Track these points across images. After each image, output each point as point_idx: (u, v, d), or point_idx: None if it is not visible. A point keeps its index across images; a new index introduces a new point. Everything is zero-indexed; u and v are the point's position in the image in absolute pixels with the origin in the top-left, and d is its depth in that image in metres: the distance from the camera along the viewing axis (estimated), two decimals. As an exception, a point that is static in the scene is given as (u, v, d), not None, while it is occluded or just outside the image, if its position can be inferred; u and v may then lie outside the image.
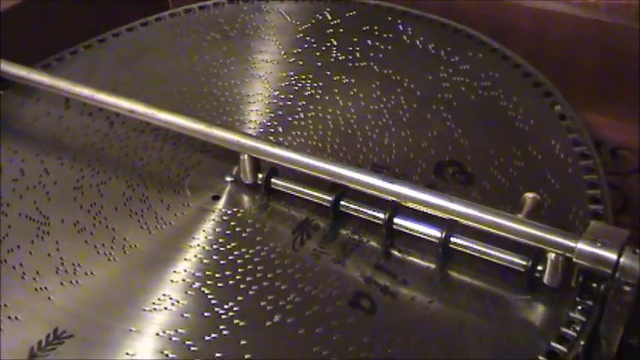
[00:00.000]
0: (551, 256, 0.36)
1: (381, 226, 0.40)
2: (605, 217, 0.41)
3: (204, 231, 0.41)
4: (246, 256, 0.39)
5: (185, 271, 0.38)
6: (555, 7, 0.57)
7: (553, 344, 0.34)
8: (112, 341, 0.35)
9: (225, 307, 0.36)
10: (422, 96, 0.49)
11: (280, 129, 0.48)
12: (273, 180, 0.43)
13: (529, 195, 0.40)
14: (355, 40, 0.54)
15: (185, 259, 0.39)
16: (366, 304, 0.37)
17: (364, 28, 0.55)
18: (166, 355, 0.34)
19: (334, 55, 0.54)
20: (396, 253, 0.39)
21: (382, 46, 0.54)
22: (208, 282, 0.38)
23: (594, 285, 0.36)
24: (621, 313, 0.34)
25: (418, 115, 0.48)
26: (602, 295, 0.35)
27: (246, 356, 0.34)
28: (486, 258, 0.38)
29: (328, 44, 0.55)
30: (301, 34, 0.56)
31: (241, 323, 0.35)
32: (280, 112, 0.49)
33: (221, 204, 0.43)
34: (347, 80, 0.51)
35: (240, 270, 0.38)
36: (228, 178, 0.44)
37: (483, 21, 0.58)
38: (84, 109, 0.50)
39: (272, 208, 0.43)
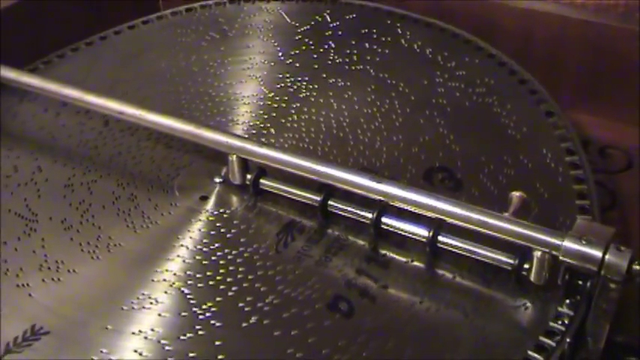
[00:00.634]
0: (538, 254, 0.37)
1: (368, 227, 0.41)
2: (592, 214, 0.42)
3: (189, 231, 0.42)
4: (229, 257, 0.40)
5: (167, 270, 0.39)
6: (542, 7, 0.57)
7: (541, 338, 0.35)
8: (88, 339, 0.36)
9: (203, 307, 0.37)
10: (416, 101, 0.50)
11: (273, 130, 0.49)
12: (261, 180, 0.44)
13: (515, 194, 0.41)
14: (353, 42, 0.55)
15: (168, 259, 0.40)
16: (344, 307, 0.37)
17: (363, 31, 0.56)
18: (140, 354, 0.35)
19: (331, 57, 0.54)
20: (379, 256, 0.40)
21: (379, 50, 0.54)
22: (189, 282, 0.39)
23: (580, 282, 0.37)
24: (607, 310, 0.35)
25: (411, 119, 0.49)
26: (588, 292, 0.36)
27: (220, 357, 0.35)
28: (473, 257, 0.39)
29: (326, 46, 0.55)
30: (300, 36, 0.57)
31: (218, 324, 0.36)
32: (274, 114, 0.50)
33: (208, 204, 0.44)
34: (342, 83, 0.52)
35: (221, 271, 0.39)
36: (217, 179, 0.45)
37: (470, 21, 0.59)
38: (81, 107, 0.52)
39: (260, 208, 0.44)
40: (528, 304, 0.37)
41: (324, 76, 0.53)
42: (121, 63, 0.57)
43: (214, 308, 0.37)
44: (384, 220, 0.40)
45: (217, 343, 0.36)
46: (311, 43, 0.56)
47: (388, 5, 0.58)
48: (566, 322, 0.36)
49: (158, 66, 0.55)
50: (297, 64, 0.54)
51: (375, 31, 0.56)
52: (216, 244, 0.41)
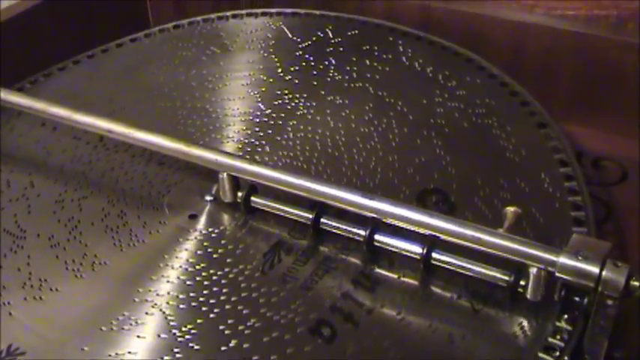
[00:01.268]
0: (533, 270, 0.37)
1: (359, 247, 0.41)
2: (587, 225, 0.42)
3: (175, 250, 0.42)
4: (214, 278, 0.41)
5: (150, 290, 0.40)
6: (533, 19, 0.58)
7: (540, 355, 0.35)
8: (64, 360, 0.37)
9: (184, 329, 0.38)
10: (414, 120, 0.50)
11: (267, 148, 0.49)
12: (252, 198, 0.44)
13: (510, 209, 0.41)
14: (354, 59, 0.56)
15: (152, 279, 0.40)
16: (326, 332, 0.38)
17: (364, 48, 0.57)
18: (114, 376, 0.36)
19: (331, 74, 0.55)
20: (368, 278, 0.40)
21: (380, 67, 0.55)
22: (170, 302, 0.39)
23: (577, 299, 0.37)
24: (605, 326, 0.35)
25: (408, 139, 0.49)
26: (585, 309, 0.36)
27: (196, 381, 0.36)
28: (468, 274, 0.39)
29: (326, 63, 0.56)
30: (300, 52, 0.57)
31: (196, 347, 0.37)
32: (270, 131, 0.51)
33: (198, 223, 0.44)
34: (340, 101, 0.53)
35: (205, 292, 0.40)
36: (208, 197, 0.46)
37: (461, 33, 0.59)
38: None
39: (250, 227, 0.44)
40: (525, 322, 0.37)
41: (323, 93, 0.53)
42: (121, 76, 0.58)
43: (194, 330, 0.37)
44: (377, 237, 0.41)
45: (194, 366, 0.36)
46: (311, 59, 0.56)
47: (379, 18, 0.58)
48: (563, 339, 0.36)
49: (157, 80, 0.56)
50: (297, 81, 0.55)
51: (376, 48, 0.56)
52: (202, 265, 0.41)
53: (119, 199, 0.46)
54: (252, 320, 0.38)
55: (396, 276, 0.40)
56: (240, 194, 0.44)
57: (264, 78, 0.55)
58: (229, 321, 0.38)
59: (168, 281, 0.40)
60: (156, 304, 0.39)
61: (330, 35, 0.58)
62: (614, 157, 0.55)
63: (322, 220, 0.42)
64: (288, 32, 0.59)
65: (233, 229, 0.44)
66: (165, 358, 0.36)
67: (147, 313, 0.38)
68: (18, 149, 0.51)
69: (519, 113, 0.50)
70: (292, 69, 0.56)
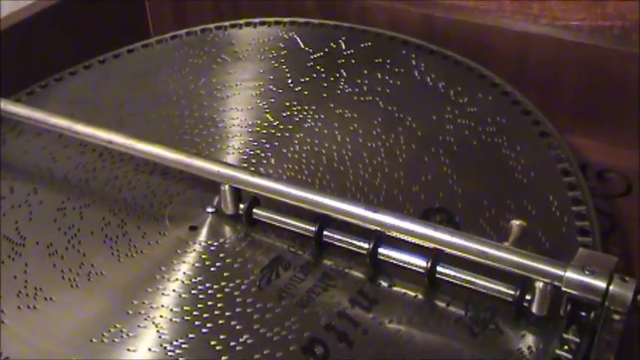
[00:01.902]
0: (539, 284, 0.37)
1: (357, 267, 0.42)
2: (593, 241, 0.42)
3: (173, 262, 0.43)
4: (209, 292, 0.41)
5: (144, 302, 0.40)
6: (537, 30, 0.58)
7: None
8: (52, 371, 0.37)
9: (175, 343, 0.38)
10: (422, 137, 0.51)
11: (273, 161, 0.50)
12: (254, 210, 0.45)
13: (515, 222, 0.41)
14: (365, 72, 0.56)
15: (147, 291, 0.41)
16: (319, 351, 0.38)
17: (376, 61, 0.57)
18: (101, 389, 0.37)
19: (341, 86, 0.55)
20: (363, 299, 0.40)
21: (391, 81, 0.55)
22: (164, 316, 0.40)
23: (583, 313, 0.37)
24: (612, 342, 0.36)
25: (415, 156, 0.49)
26: (591, 323, 0.37)
27: (184, 397, 0.36)
28: (472, 287, 0.40)
29: (337, 75, 0.56)
30: (312, 63, 0.58)
31: (186, 362, 0.38)
32: (276, 143, 0.52)
33: (198, 235, 0.45)
34: (349, 114, 0.53)
35: (199, 305, 0.40)
36: (210, 209, 0.47)
37: (464, 43, 0.60)
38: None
39: (250, 241, 0.45)
40: (530, 336, 0.38)
41: (332, 106, 0.54)
42: (132, 82, 0.59)
43: (185, 345, 0.38)
44: (380, 250, 0.41)
45: (183, 382, 0.37)
46: (322, 70, 0.57)
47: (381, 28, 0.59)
48: (571, 352, 0.36)
49: (167, 87, 0.57)
50: (306, 92, 0.55)
51: (388, 61, 0.57)
52: (199, 278, 0.42)
53: (120, 208, 0.47)
54: (245, 336, 0.39)
55: (396, 294, 0.40)
56: (242, 206, 0.45)
57: (274, 88, 0.56)
58: (221, 336, 0.39)
59: (163, 294, 0.41)
60: (149, 317, 0.40)
61: (343, 46, 0.59)
62: (618, 168, 0.55)
63: (325, 232, 0.43)
64: (300, 42, 0.60)
65: (233, 242, 0.44)
66: (154, 372, 0.37)
67: (139, 326, 0.39)
68: (24, 155, 0.52)
69: (530, 133, 0.50)
70: (302, 80, 0.56)
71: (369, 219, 0.41)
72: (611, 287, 0.35)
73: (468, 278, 0.40)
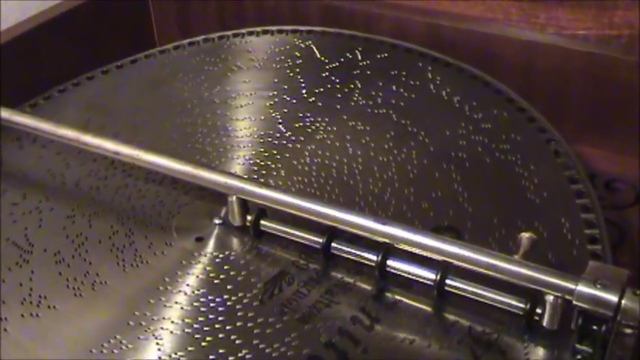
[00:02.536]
0: (550, 298, 0.38)
1: (361, 283, 0.42)
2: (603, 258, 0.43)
3: (177, 274, 0.44)
4: (211, 305, 0.42)
5: (145, 314, 0.41)
6: (544, 39, 0.59)
7: None
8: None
9: (173, 355, 0.39)
10: (435, 152, 0.51)
11: (282, 172, 0.51)
12: (262, 222, 0.46)
13: (525, 234, 0.42)
14: (380, 84, 0.57)
15: (149, 302, 0.42)
16: (316, 370, 0.39)
17: (392, 73, 0.57)
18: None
19: (355, 98, 0.56)
20: (365, 318, 0.41)
21: (406, 94, 0.55)
22: (164, 327, 0.41)
23: (595, 327, 0.38)
24: (623, 356, 0.36)
25: (426, 172, 0.50)
26: (602, 338, 0.37)
27: (179, 412, 0.37)
28: (483, 300, 0.40)
29: (352, 86, 0.57)
30: (327, 73, 0.58)
31: (183, 376, 0.39)
32: (287, 155, 0.52)
33: (204, 246, 0.46)
34: (362, 127, 0.53)
35: (200, 318, 0.41)
36: (217, 220, 0.47)
37: (470, 53, 0.60)
38: (100, 134, 0.55)
39: (256, 253, 0.45)
40: (541, 350, 0.38)
41: (345, 118, 0.54)
42: (148, 88, 0.60)
43: (183, 358, 0.39)
44: (389, 263, 0.42)
45: (179, 397, 0.38)
46: (337, 81, 0.57)
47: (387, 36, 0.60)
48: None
49: (181, 95, 0.58)
50: (320, 104, 0.56)
51: (404, 73, 0.57)
52: (202, 290, 0.43)
53: (129, 217, 0.48)
54: (244, 351, 0.39)
55: (398, 314, 0.41)
56: (249, 218, 0.46)
57: (288, 98, 0.57)
58: (220, 350, 0.39)
59: (165, 305, 0.42)
60: (149, 329, 0.40)
61: (359, 57, 0.59)
62: (626, 178, 0.56)
63: (333, 244, 0.44)
64: (316, 52, 0.60)
65: (239, 254, 0.45)
66: (151, 385, 0.38)
67: (139, 338, 0.40)
68: (39, 160, 0.54)
69: (545, 152, 0.50)
70: (317, 90, 0.57)
71: (377, 231, 0.42)
72: (623, 301, 0.35)
73: (477, 291, 0.40)
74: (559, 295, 0.37)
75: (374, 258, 0.42)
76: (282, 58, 0.61)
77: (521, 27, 0.59)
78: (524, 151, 0.50)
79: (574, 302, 0.37)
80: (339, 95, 0.56)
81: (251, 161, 0.52)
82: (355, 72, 0.58)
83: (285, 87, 0.58)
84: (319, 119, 0.55)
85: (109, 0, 0.70)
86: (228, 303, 0.42)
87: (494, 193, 0.48)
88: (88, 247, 0.46)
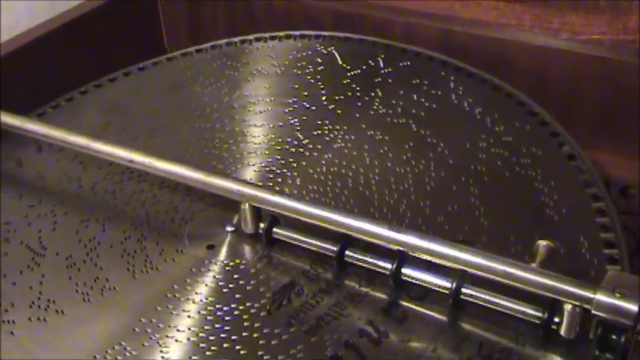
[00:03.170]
0: (568, 307, 0.38)
1: (371, 295, 0.42)
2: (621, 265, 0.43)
3: (186, 281, 0.44)
4: (218, 313, 0.42)
5: (152, 321, 0.42)
6: (557, 44, 0.59)
7: None
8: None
9: (176, 365, 0.40)
10: (453, 164, 0.51)
11: (298, 181, 0.51)
12: (274, 230, 0.46)
13: (542, 242, 0.42)
14: (401, 92, 0.56)
15: (156, 309, 0.43)
16: (321, 384, 0.39)
17: (414, 81, 0.57)
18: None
19: (375, 107, 0.56)
20: (373, 332, 0.41)
21: (427, 104, 0.55)
22: (169, 335, 0.41)
23: (614, 337, 0.38)
24: None
25: (443, 185, 0.49)
26: (622, 347, 0.37)
27: (180, 423, 0.38)
28: (500, 309, 0.40)
29: (372, 94, 0.57)
30: (348, 80, 0.58)
31: (186, 386, 0.39)
32: (304, 163, 0.52)
33: (215, 254, 0.46)
34: (380, 137, 0.54)
35: (206, 327, 0.42)
36: (229, 228, 0.48)
37: (483, 58, 0.60)
38: (118, 137, 0.56)
39: (267, 262, 0.46)
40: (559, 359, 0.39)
41: (364, 127, 0.54)
42: (168, 91, 0.61)
43: (187, 368, 0.40)
44: (403, 271, 0.42)
45: (181, 407, 0.38)
46: (358, 89, 0.58)
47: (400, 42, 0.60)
48: None
49: (201, 99, 0.59)
50: (339, 111, 0.56)
51: (426, 82, 0.57)
52: (210, 299, 0.43)
53: (142, 222, 0.49)
54: (249, 362, 0.40)
55: (407, 329, 0.41)
56: (262, 225, 0.46)
57: (307, 105, 0.57)
58: (224, 360, 0.40)
59: (172, 313, 0.42)
60: (154, 337, 0.41)
61: (381, 64, 0.59)
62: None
63: (347, 252, 0.44)
64: (338, 58, 0.61)
65: (250, 263, 0.46)
66: (153, 395, 0.39)
67: (143, 345, 0.40)
68: (56, 163, 0.55)
69: (566, 167, 0.49)
70: (337, 97, 0.57)
71: (392, 239, 0.42)
72: None
73: (494, 300, 0.40)
74: (577, 304, 0.38)
75: (388, 266, 0.43)
76: (304, 63, 0.61)
77: (534, 32, 0.60)
78: (544, 166, 0.50)
79: (593, 311, 0.37)
80: (359, 103, 0.57)
81: (267, 168, 0.52)
82: (376, 80, 0.58)
83: (305, 93, 0.58)
84: (338, 127, 0.55)
85: (118, 6, 0.71)
86: (236, 312, 0.43)
87: (512, 208, 0.48)
88: (99, 252, 0.47)
